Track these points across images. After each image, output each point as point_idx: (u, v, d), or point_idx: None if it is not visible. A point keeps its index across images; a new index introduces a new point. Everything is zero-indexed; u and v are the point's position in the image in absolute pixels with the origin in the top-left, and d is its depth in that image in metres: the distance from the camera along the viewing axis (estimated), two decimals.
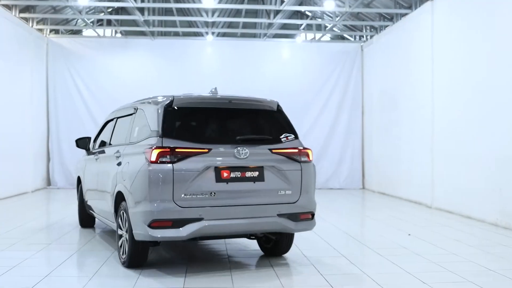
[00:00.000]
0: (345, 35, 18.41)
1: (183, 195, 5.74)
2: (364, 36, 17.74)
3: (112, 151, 7.24)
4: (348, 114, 17.41)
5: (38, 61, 16.06)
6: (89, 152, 8.94)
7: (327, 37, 18.28)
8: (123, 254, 6.35)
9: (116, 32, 17.95)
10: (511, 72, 9.23)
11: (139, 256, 6.20)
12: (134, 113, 6.99)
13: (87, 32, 18.14)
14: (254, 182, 6.07)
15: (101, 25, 17.13)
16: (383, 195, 15.12)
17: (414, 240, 8.13)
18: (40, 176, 16.24)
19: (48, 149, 16.72)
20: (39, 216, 10.85)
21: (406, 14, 14.36)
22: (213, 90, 6.75)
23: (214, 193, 5.86)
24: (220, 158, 5.96)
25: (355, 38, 18.30)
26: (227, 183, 5.94)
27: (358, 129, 17.45)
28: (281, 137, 6.44)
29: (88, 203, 8.60)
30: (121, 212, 6.37)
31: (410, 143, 13.57)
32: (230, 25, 17.54)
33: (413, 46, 13.55)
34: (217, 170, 5.91)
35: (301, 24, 17.85)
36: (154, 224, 5.68)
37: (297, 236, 7.15)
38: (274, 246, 6.91)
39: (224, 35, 17.63)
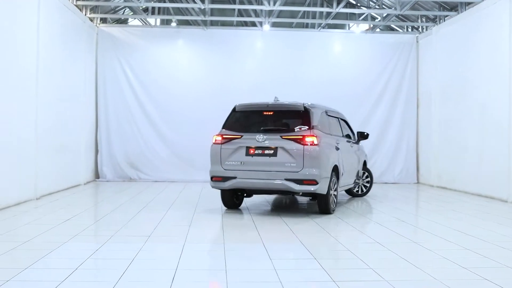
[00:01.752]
0: (395, 27, 17.91)
1: (226, 162, 9.42)
2: (420, 27, 17.28)
3: None
4: (403, 108, 16.99)
5: (90, 51, 15.69)
6: None
7: (384, 27, 17.81)
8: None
9: (166, 21, 17.52)
10: None
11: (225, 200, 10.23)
12: None
13: (135, 22, 17.80)
14: (270, 157, 9.17)
15: (152, 13, 16.67)
16: (444, 189, 14.68)
17: None
18: (90, 168, 15.92)
19: (96, 141, 16.36)
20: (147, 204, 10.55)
21: (470, 3, 13.92)
22: (276, 98, 10.27)
23: (243, 162, 9.29)
24: (248, 141, 9.32)
25: (407, 29, 17.85)
26: (252, 156, 9.27)
27: (413, 123, 17.03)
28: (295, 127, 9.27)
29: None
30: None
31: (481, 136, 13.12)
32: (285, 14, 17.09)
33: (484, 36, 13.07)
34: (247, 148, 9.32)
35: (355, 14, 17.43)
36: (213, 178, 9.59)
37: None
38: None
39: (278, 25, 17.18)
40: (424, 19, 16.75)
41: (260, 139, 9.21)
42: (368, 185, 12.75)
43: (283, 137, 9.14)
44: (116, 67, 16.35)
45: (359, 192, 12.63)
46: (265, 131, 9.33)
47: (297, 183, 8.95)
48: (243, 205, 10.69)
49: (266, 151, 9.17)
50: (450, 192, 14.07)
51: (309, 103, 9.79)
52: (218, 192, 10.55)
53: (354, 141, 11.91)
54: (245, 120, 9.82)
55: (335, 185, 9.77)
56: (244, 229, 8.25)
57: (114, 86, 16.35)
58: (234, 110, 9.98)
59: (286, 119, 9.69)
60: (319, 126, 9.51)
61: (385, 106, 16.93)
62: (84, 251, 6.38)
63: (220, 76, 16.57)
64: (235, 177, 9.25)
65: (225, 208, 10.31)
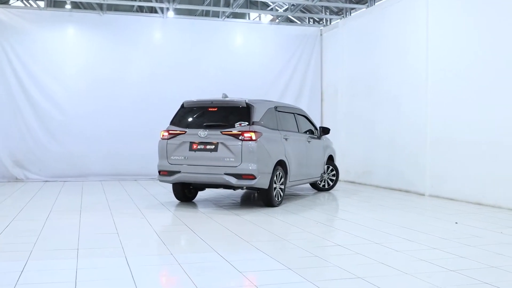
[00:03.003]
0: (294, 19, 17.59)
1: (171, 157, 9.76)
2: (324, 19, 17.11)
3: None
4: (307, 101, 16.74)
5: None
6: None
7: (292, 18, 17.39)
8: None
9: (58, 3, 15.75)
10: None
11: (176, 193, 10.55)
12: None
13: (18, 3, 15.94)
14: (211, 152, 9.45)
15: None
16: (353, 183, 14.57)
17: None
18: None
19: None
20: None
21: None
22: (223, 94, 10.42)
23: (187, 157, 9.61)
24: (192, 136, 9.64)
25: (308, 21, 17.63)
26: (195, 151, 9.58)
27: (317, 117, 16.83)
28: (236, 123, 9.46)
29: None
30: None
31: (394, 130, 13.08)
32: (190, 1, 16.09)
33: (397, 29, 13.04)
34: (190, 144, 9.64)
35: (258, 4, 16.89)
36: (160, 173, 9.94)
37: None
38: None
39: (182, 12, 16.17)
40: (328, 12, 16.58)
41: (202, 134, 9.53)
42: (334, 178, 12.78)
43: (223, 132, 9.44)
44: None
45: (325, 186, 12.73)
46: (207, 127, 9.66)
47: (236, 178, 9.27)
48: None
49: (208, 146, 9.50)
50: (361, 186, 13.96)
51: (254, 99, 10.09)
52: (130, 190, 10.21)
53: (316, 136, 11.98)
54: (191, 116, 10.19)
55: (281, 179, 10.02)
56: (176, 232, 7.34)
57: None
58: (182, 106, 10.32)
59: (228, 115, 9.88)
60: (262, 122, 9.75)
61: (290, 100, 16.52)
62: (6, 274, 5.16)
63: (117, 66, 15.24)
64: (179, 171, 9.63)
65: (178, 201, 10.58)
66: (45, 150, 14.72)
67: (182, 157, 9.62)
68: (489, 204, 10.08)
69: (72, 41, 15.12)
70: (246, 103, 9.74)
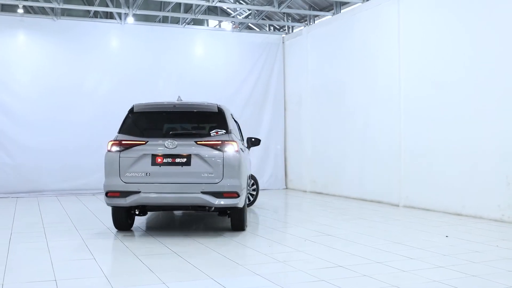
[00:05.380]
0: (253, 26, 17.18)
1: (126, 174, 7.81)
2: (287, 27, 16.78)
3: None
4: (271, 111, 16.42)
5: None
6: None
7: (252, 26, 16.94)
8: None
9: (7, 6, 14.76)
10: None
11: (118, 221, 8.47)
12: None
13: None
14: (182, 166, 7.79)
15: None
16: (320, 194, 14.24)
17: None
18: None
19: None
20: None
21: (345, 3, 13.68)
22: (178, 98, 9.02)
23: (149, 173, 7.79)
24: (155, 148, 7.84)
25: (269, 29, 17.27)
26: (160, 166, 7.81)
27: (281, 127, 16.50)
28: (211, 132, 8.14)
29: None
30: None
31: (364, 140, 12.84)
32: (150, 6, 15.39)
33: (366, 38, 12.81)
34: (153, 156, 7.81)
35: (222, 10, 16.40)
36: (108, 194, 7.89)
37: None
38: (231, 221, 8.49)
39: (141, 19, 15.46)
40: (290, 19, 16.25)
41: (170, 145, 7.82)
42: (254, 193, 11.80)
43: (198, 142, 7.88)
44: None
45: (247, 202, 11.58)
46: (176, 136, 8.10)
47: (216, 196, 7.71)
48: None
49: (178, 160, 7.80)
50: (330, 197, 13.64)
51: (220, 104, 8.68)
52: (91, 206, 9.45)
53: (246, 147, 10.67)
54: (147, 123, 8.47)
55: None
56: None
57: None
58: (131, 111, 8.42)
59: (199, 121, 8.63)
60: (233, 130, 8.45)
61: (253, 109, 16.17)
62: None
63: (72, 74, 14.43)
64: (138, 192, 7.72)
65: (116, 230, 8.56)
66: None
67: (142, 174, 7.77)
68: (469, 214, 9.90)
69: (23, 47, 14.22)
70: (219, 108, 8.40)
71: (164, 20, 15.94)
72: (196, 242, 7.58)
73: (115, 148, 7.91)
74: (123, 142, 7.93)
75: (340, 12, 14.10)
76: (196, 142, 7.90)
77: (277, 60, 16.50)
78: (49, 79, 14.27)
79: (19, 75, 14.07)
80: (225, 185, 7.77)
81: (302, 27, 15.73)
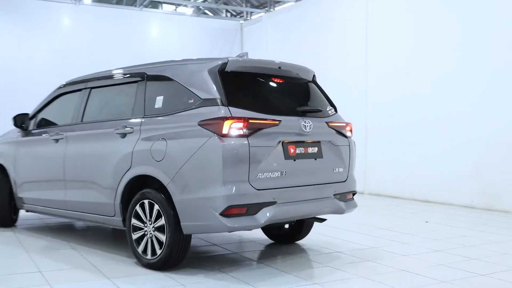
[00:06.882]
0: (207, 12, 16.82)
1: (258, 175, 4.72)
2: (244, 12, 16.49)
3: (104, 128, 5.76)
4: None
5: None
6: (28, 132, 7.10)
7: (207, 12, 16.55)
8: (146, 253, 5.03)
9: None
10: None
11: (179, 254, 4.93)
12: (140, 81, 5.59)
13: None
14: (315, 159, 5.30)
15: None
16: None
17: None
18: None
19: None
20: None
21: None
22: (243, 54, 5.83)
23: (285, 172, 4.95)
24: (288, 132, 5.04)
25: (226, 14, 16.95)
26: (294, 160, 5.08)
27: None
28: (328, 109, 5.71)
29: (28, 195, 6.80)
30: (143, 202, 5.06)
31: None
32: None
33: (331, 23, 12.72)
34: (285, 146, 5.01)
35: None
36: (230, 211, 4.56)
37: None
38: (289, 231, 6.30)
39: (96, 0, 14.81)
40: (248, 5, 15.99)
41: (307, 127, 5.18)
42: None
43: (330, 124, 5.53)
44: None
45: None
46: (304, 114, 5.35)
47: (343, 200, 5.56)
48: None
49: (310, 149, 5.26)
50: None
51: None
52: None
53: None
54: (260, 91, 5.38)
55: None
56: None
57: None
58: (222, 69, 4.95)
59: (306, 94, 5.82)
60: None
61: None
62: None
63: (21, 56, 13.66)
64: (274, 202, 4.80)
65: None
66: None
67: (277, 173, 4.90)
68: (437, 201, 9.99)
69: None
70: (314, 76, 5.91)
71: (121, 2, 15.33)
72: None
73: (237, 132, 4.62)
74: (251, 121, 4.72)
75: None
76: (328, 123, 5.52)
77: (235, 46, 16.25)
78: None
79: None
80: (350, 183, 5.68)
81: (262, 13, 15.49)
